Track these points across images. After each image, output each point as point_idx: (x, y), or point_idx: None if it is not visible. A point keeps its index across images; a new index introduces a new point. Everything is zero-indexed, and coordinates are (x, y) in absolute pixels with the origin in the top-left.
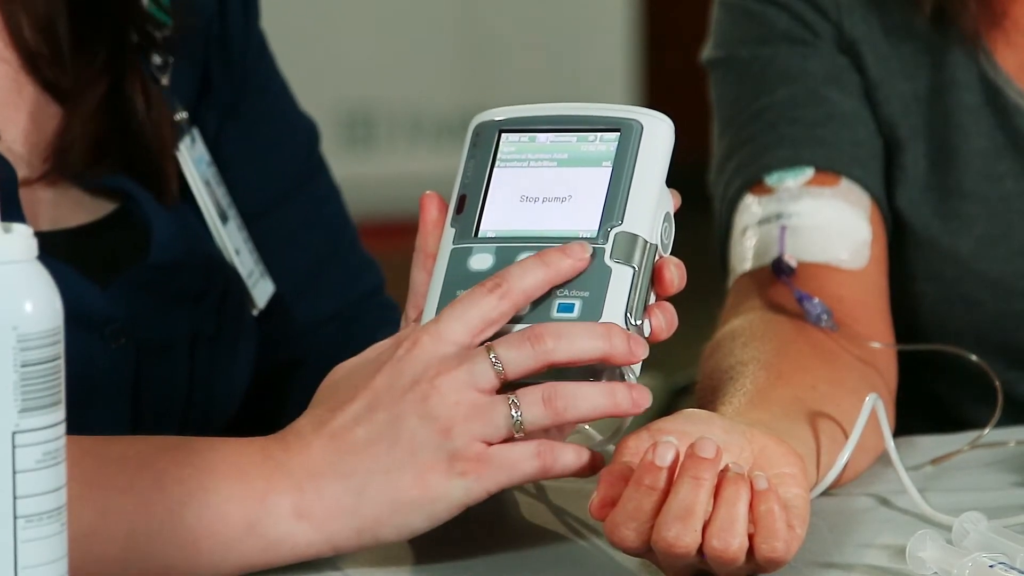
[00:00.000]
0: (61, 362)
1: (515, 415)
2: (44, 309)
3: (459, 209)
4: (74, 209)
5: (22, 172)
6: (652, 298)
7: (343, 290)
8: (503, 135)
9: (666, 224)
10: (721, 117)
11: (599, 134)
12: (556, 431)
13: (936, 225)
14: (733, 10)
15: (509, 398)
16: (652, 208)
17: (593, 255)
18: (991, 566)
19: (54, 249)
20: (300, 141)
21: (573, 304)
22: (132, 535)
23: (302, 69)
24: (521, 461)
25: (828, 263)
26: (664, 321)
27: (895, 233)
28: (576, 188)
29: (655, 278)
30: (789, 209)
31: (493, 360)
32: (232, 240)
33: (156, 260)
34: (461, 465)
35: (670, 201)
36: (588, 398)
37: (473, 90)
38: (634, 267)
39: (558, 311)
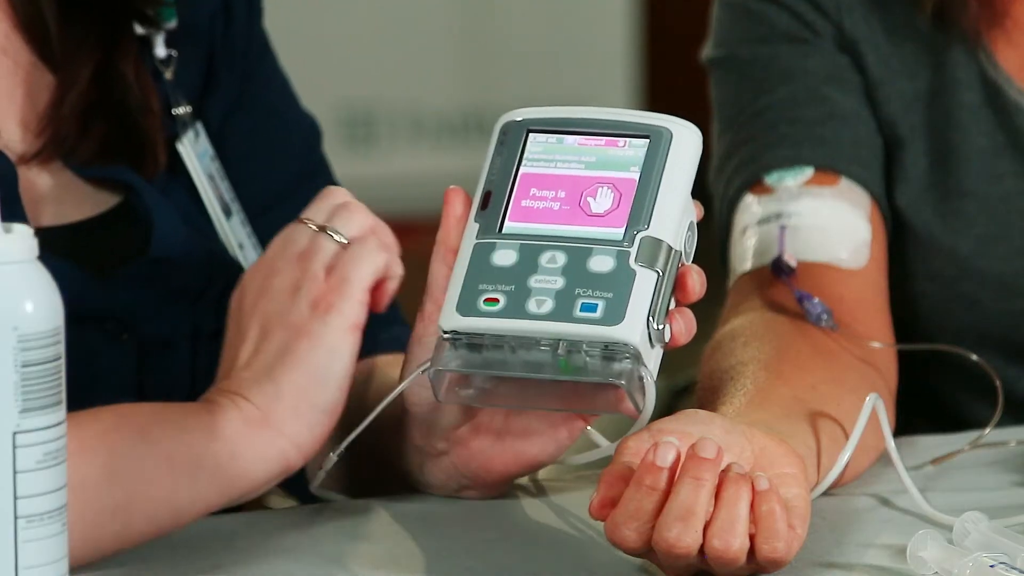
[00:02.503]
0: (62, 362)
1: (330, 233)
2: (45, 309)
3: (484, 205)
4: (77, 204)
5: (19, 149)
6: (673, 303)
7: None
8: (531, 135)
9: (689, 233)
10: (721, 116)
11: (628, 140)
12: (573, 426)
13: (936, 224)
14: (733, 9)
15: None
16: (678, 215)
17: (619, 257)
18: (992, 566)
19: (57, 244)
20: (302, 138)
21: (596, 304)
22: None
23: (303, 67)
24: (361, 258)
25: (828, 262)
26: (684, 327)
27: (895, 232)
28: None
29: (677, 285)
30: (789, 209)
31: (329, 233)
32: (236, 235)
33: (157, 254)
34: (319, 302)
35: (694, 211)
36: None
37: (474, 90)
38: (658, 271)
39: (580, 310)
